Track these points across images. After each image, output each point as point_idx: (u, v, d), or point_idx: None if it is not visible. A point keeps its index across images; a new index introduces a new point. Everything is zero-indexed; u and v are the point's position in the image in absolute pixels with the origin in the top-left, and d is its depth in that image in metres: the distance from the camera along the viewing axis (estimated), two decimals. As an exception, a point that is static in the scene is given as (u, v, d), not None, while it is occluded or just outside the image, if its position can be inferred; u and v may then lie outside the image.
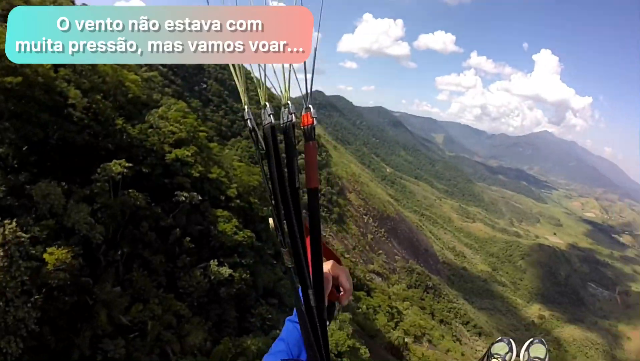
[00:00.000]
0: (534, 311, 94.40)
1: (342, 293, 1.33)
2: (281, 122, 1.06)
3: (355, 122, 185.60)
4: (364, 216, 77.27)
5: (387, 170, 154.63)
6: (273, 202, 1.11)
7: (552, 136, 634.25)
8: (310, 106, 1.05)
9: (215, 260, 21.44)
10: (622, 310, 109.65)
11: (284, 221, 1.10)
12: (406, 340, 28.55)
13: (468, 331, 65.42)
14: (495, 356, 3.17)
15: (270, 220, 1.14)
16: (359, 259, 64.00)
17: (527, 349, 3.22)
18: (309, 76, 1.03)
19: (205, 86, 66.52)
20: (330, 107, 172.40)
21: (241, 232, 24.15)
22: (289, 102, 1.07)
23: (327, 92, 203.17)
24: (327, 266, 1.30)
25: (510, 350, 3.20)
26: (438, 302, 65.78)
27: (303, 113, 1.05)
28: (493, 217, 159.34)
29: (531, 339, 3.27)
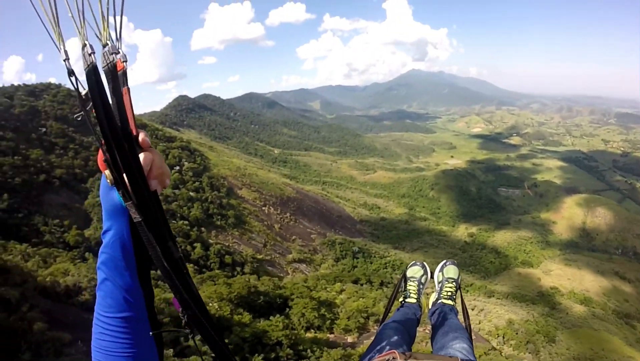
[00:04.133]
0: (462, 232, 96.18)
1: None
2: (102, 64, 0.93)
3: (229, 115, 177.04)
4: (263, 208, 69.69)
5: (275, 152, 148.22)
6: (107, 152, 0.93)
7: (420, 72, 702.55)
8: (121, 50, 0.96)
9: None
10: (537, 201, 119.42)
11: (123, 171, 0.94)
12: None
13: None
14: (411, 279, 3.26)
15: (107, 172, 0.97)
16: (274, 255, 58.12)
17: (441, 270, 3.33)
18: (118, 18, 0.93)
19: (44, 130, 58.08)
20: (199, 108, 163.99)
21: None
22: (108, 42, 0.95)
23: (193, 95, 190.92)
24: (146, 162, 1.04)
25: (425, 272, 3.32)
26: (371, 263, 62.33)
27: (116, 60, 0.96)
28: (391, 161, 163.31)
29: (444, 261, 3.39)
